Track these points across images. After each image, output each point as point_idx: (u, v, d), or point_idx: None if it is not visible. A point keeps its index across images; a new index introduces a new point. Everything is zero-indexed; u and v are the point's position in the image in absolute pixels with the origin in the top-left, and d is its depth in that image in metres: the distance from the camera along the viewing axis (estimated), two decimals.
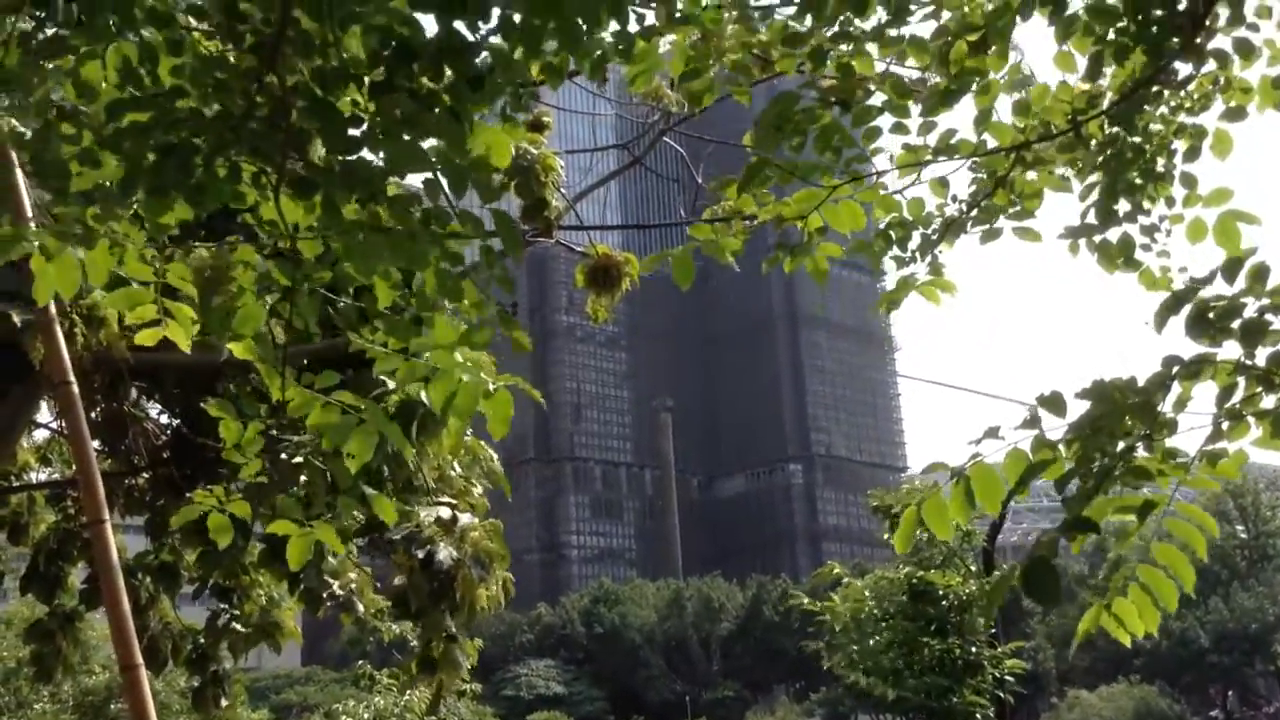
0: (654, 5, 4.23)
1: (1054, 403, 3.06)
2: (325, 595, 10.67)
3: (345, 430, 3.72)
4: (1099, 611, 3.32)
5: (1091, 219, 5.05)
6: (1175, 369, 3.00)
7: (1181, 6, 4.42)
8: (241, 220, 3.40)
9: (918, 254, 5.01)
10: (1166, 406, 3.01)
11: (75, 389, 6.04)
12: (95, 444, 7.75)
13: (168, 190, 2.85)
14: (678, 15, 4.39)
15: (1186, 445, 3.13)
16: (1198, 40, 4.44)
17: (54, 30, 2.65)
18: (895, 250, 5.06)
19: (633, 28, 3.66)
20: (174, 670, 12.96)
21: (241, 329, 3.65)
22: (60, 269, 3.61)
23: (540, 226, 9.59)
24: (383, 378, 4.26)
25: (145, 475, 11.49)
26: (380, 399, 4.10)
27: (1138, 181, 4.96)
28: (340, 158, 2.82)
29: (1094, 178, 5.01)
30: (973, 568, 15.62)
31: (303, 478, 7.09)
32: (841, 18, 4.50)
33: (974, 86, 4.69)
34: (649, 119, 11.85)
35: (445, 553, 8.71)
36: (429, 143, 2.96)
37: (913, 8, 4.73)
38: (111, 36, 2.73)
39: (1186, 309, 3.17)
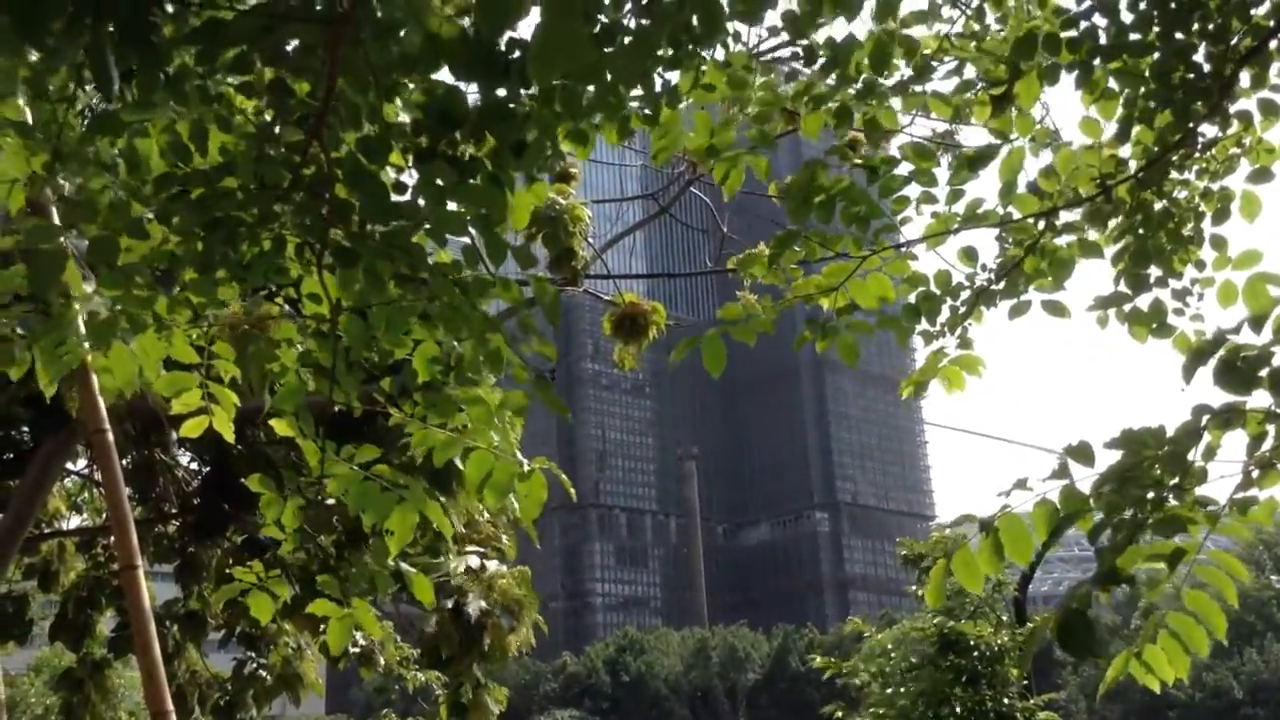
0: (677, 69, 4.30)
1: (1082, 453, 3.07)
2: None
3: (386, 508, 3.76)
4: (1127, 658, 3.29)
5: (1123, 287, 5.03)
6: (1205, 418, 3.00)
7: (1207, 69, 4.46)
8: (284, 295, 3.48)
9: (946, 328, 4.96)
10: (1196, 455, 3.01)
11: (110, 437, 6.11)
12: (126, 491, 7.82)
13: (214, 266, 2.92)
14: (700, 78, 4.46)
15: (1217, 494, 3.12)
16: (1223, 103, 4.48)
17: (108, 106, 2.75)
18: (924, 324, 4.98)
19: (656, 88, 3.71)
20: (200, 718, 12.98)
21: (282, 404, 3.71)
22: (116, 362, 3.70)
23: (567, 275, 9.68)
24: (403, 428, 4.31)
25: (175, 522, 11.57)
26: (406, 450, 4.15)
27: (1167, 246, 4.96)
28: (381, 227, 2.89)
29: (1123, 243, 5.01)
30: (1004, 618, 15.43)
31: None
32: (865, 75, 4.56)
33: (1000, 153, 4.73)
34: (675, 169, 11.97)
35: (475, 604, 8.75)
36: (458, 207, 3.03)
37: (935, 64, 4.80)
38: (164, 112, 2.82)
39: (1214, 359, 3.18)
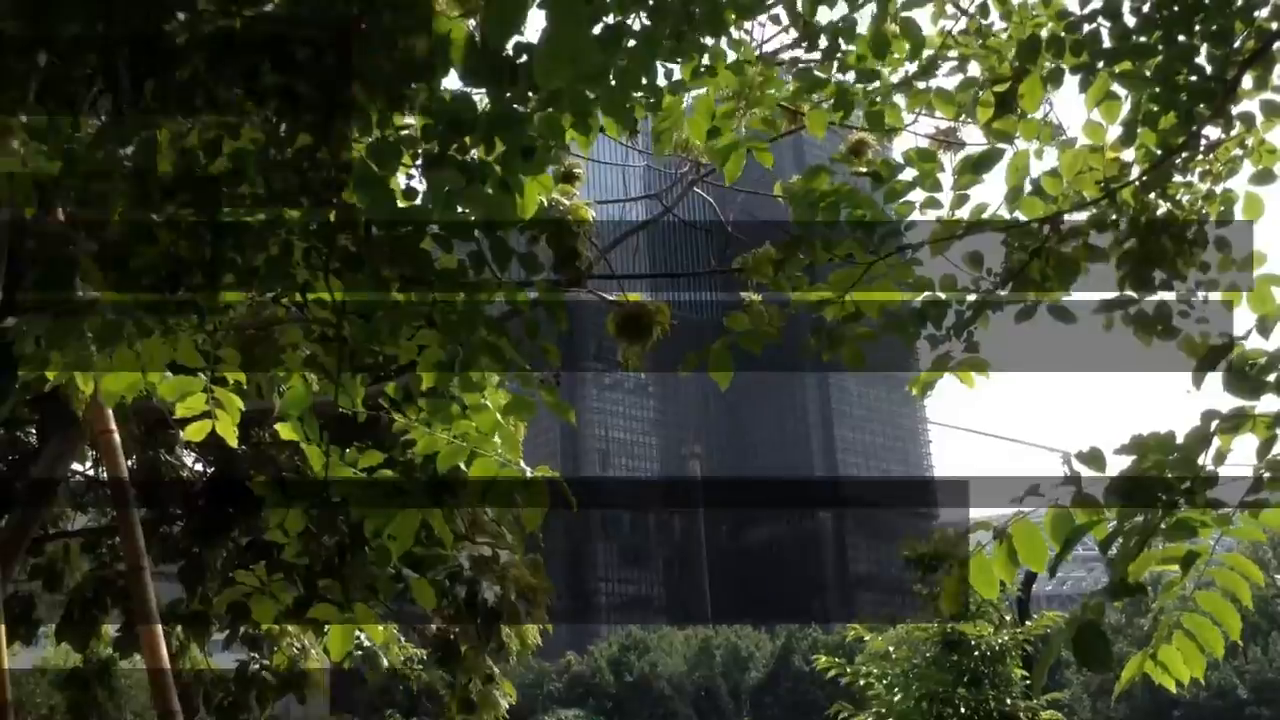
0: (679, 60, 4.29)
1: (1094, 459, 3.07)
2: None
3: (389, 514, 3.77)
4: (1143, 659, 3.29)
5: (1127, 290, 5.04)
6: (1214, 423, 3.01)
7: (1210, 71, 4.47)
8: (290, 299, 3.49)
9: (952, 333, 4.95)
10: (1206, 460, 3.01)
11: (116, 438, 6.13)
12: (132, 492, 7.82)
13: (222, 271, 2.94)
14: (702, 69, 4.45)
15: (1226, 495, 3.12)
16: (1226, 105, 4.49)
17: (118, 114, 2.75)
18: (929, 329, 4.97)
19: (660, 81, 3.71)
20: (205, 718, 12.99)
21: (289, 409, 3.72)
22: (119, 367, 3.71)
23: (571, 276, 9.68)
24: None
25: (180, 523, 11.59)
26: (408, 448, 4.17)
27: (1170, 249, 4.96)
28: (389, 233, 2.90)
29: (1127, 246, 5.01)
30: (1006, 617, 15.42)
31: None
32: (866, 62, 4.56)
33: (1005, 155, 4.73)
34: (679, 169, 11.97)
35: (490, 591, 8.71)
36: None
37: (939, 61, 4.80)
38: (173, 122, 2.83)
39: (1223, 365, 3.19)
